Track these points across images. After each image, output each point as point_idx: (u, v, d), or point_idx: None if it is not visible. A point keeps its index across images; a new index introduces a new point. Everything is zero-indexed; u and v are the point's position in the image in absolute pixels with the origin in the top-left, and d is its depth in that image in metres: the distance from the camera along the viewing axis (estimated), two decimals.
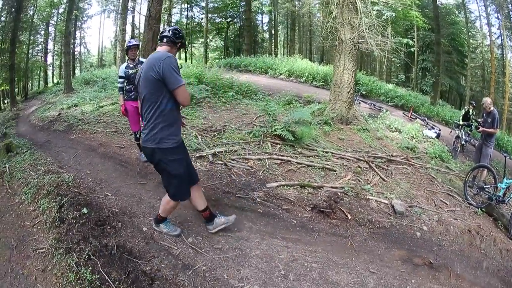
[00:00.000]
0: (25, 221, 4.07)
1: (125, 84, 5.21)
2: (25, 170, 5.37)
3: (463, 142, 10.22)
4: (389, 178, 5.42)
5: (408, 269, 3.34)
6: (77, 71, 26.47)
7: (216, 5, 28.13)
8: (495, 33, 21.83)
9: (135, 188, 4.75)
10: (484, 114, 6.88)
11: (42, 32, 24.34)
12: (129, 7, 22.09)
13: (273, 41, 30.84)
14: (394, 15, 19.77)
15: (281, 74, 17.92)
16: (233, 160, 5.38)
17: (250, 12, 25.52)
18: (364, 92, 15.96)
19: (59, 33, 24.95)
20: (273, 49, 30.02)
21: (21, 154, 6.28)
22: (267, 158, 5.39)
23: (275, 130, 6.28)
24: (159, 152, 2.89)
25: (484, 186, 5.53)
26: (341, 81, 8.83)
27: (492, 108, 6.70)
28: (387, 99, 16.58)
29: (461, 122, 10.48)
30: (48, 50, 25.61)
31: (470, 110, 10.66)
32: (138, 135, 5.32)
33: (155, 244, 3.40)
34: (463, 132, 10.40)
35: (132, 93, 5.11)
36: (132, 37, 23.82)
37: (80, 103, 11.26)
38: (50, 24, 24.57)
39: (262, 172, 4.99)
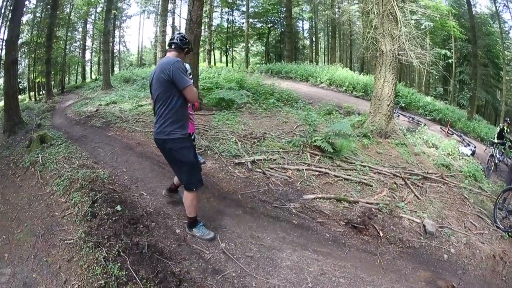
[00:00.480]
0: (55, 211, 4.17)
1: None
2: (58, 162, 5.50)
3: (496, 161, 9.83)
4: (423, 196, 5.28)
5: None
6: (116, 69, 27.15)
7: (257, 10, 28.24)
8: None
9: (167, 181, 4.73)
10: None
11: (80, 29, 25.14)
12: (169, 9, 22.48)
13: (313, 48, 30.52)
14: (432, 25, 18.94)
15: (321, 82, 17.70)
16: (271, 168, 5.34)
17: (291, 18, 25.47)
18: (403, 105, 15.39)
19: (97, 31, 25.80)
20: (313, 56, 29.71)
21: (55, 146, 6.45)
22: (306, 169, 5.34)
23: (314, 141, 6.22)
24: (170, 142, 3.19)
25: None
26: (381, 94, 8.68)
27: None
28: (425, 113, 15.86)
29: (495, 140, 10.08)
30: (86, 47, 26.50)
31: (505, 128, 10.32)
32: None
33: (187, 247, 3.40)
34: (497, 151, 10.00)
35: None
36: (164, 43, 24.07)
37: (118, 100, 11.48)
38: (88, 22, 25.46)
39: (300, 183, 4.94)
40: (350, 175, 5.40)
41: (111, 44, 22.58)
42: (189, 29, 8.17)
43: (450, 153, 9.28)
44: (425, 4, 13.67)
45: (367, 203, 4.53)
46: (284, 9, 25.42)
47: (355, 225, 3.96)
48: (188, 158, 3.25)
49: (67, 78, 25.49)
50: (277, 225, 3.91)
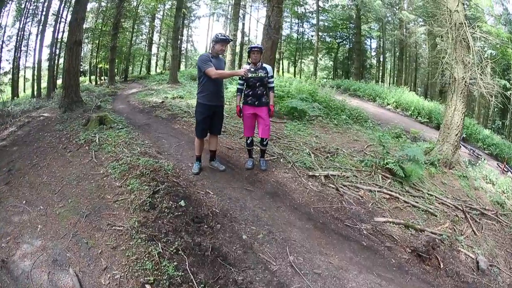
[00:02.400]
0: (106, 194, 4.09)
1: (244, 87, 5.10)
2: (118, 145, 5.54)
3: None
4: (479, 232, 5.19)
5: None
6: (181, 66, 28.18)
7: (327, 24, 28.19)
8: None
9: (240, 192, 4.58)
10: None
11: (147, 24, 26.52)
12: (239, 15, 22.90)
13: (380, 68, 29.88)
14: (494, 53, 17.59)
15: (388, 104, 17.25)
16: (344, 186, 5.22)
17: (360, 35, 25.20)
18: (464, 135, 14.46)
19: (165, 27, 27.06)
20: (380, 76, 29.08)
21: (115, 130, 6.49)
22: (377, 191, 5.25)
23: (387, 164, 6.07)
24: (196, 102, 4.73)
25: None
26: (451, 123, 8.41)
27: None
28: (484, 146, 14.85)
29: None
30: (153, 41, 27.77)
31: None
32: (249, 141, 5.26)
33: (253, 255, 3.27)
34: None
35: (250, 98, 4.99)
36: (242, 44, 24.48)
37: (186, 96, 11.66)
38: (156, 18, 26.73)
39: (372, 204, 4.85)
40: (417, 202, 5.29)
41: (179, 41, 23.33)
42: (267, 34, 8.21)
43: (505, 191, 8.72)
44: (488, 30, 12.79)
45: (432, 232, 4.49)
46: (353, 25, 25.08)
47: (420, 253, 3.92)
48: (196, 117, 4.82)
49: (131, 68, 26.72)
50: (346, 245, 3.81)
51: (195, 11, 29.63)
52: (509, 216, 6.67)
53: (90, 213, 3.78)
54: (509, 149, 15.30)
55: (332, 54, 30.39)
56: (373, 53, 31.27)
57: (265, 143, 5.22)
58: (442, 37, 9.07)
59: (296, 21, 30.05)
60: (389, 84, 25.78)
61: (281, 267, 3.15)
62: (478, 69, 7.95)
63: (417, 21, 24.67)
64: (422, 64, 28.68)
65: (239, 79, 5.10)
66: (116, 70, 21.93)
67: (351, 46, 29.14)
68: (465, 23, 8.19)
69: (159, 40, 28.78)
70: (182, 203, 3.76)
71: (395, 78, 29.28)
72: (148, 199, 3.74)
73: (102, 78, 23.12)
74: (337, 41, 29.57)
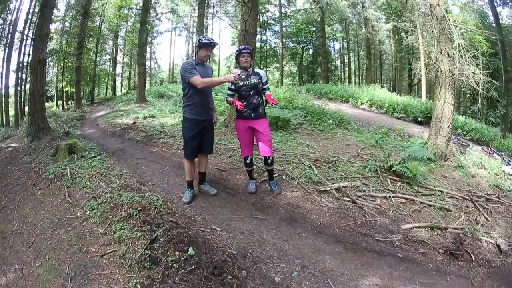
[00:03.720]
0: (90, 246, 3.33)
1: (235, 97, 4.36)
2: (92, 178, 4.74)
3: None
4: (491, 217, 5.28)
5: None
6: (147, 85, 27.40)
7: (290, 30, 28.26)
8: None
9: (250, 223, 3.94)
10: None
11: (111, 43, 25.77)
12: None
13: (345, 69, 30.33)
14: (464, 42, 18.31)
15: (362, 103, 17.33)
16: (359, 197, 4.85)
17: (325, 38, 25.38)
18: None
19: (129, 44, 26.25)
20: (345, 77, 29.45)
21: (87, 159, 5.70)
22: (392, 197, 5.04)
23: (392, 166, 5.91)
24: (183, 118, 4.18)
25: None
26: (442, 115, 8.54)
27: None
28: (463, 132, 15.21)
29: None
30: (117, 61, 26.98)
31: None
32: (249, 161, 4.54)
33: None
34: None
35: (245, 110, 4.19)
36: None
37: (157, 114, 10.98)
38: (119, 36, 25.94)
39: (392, 212, 4.63)
40: (431, 201, 5.23)
41: (145, 57, 22.87)
42: (244, 40, 7.63)
43: (497, 174, 9.08)
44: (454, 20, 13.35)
45: (454, 228, 4.52)
46: (317, 28, 25.31)
47: (452, 252, 3.94)
48: (184, 135, 4.20)
49: (96, 90, 25.83)
50: (382, 261, 3.58)
51: (157, 26, 28.86)
52: (509, 197, 6.95)
53: (75, 274, 3.03)
54: (488, 132, 15.83)
55: (297, 59, 30.45)
56: (336, 55, 31.89)
57: (269, 161, 4.44)
58: (419, 32, 9.50)
59: (259, 29, 29.99)
60: (355, 83, 26.22)
61: None
62: (465, 61, 8.25)
63: (381, 18, 25.34)
64: (386, 60, 29.48)
65: (228, 88, 4.37)
66: (82, 93, 21.18)
67: (314, 49, 29.38)
68: (447, 17, 8.31)
69: (123, 59, 27.79)
70: (191, 251, 3.04)
71: (361, 77, 29.91)
72: (146, 251, 3.00)
73: (69, 102, 22.30)
74: (301, 46, 29.70)
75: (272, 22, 28.56)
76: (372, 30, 25.33)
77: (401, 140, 9.70)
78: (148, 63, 28.98)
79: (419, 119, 15.65)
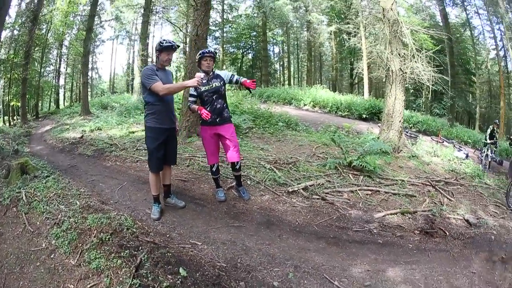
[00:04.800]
0: (66, 282, 2.90)
1: (197, 104, 4.18)
2: (50, 201, 4.24)
3: (489, 159, 10.72)
4: (453, 198, 5.81)
5: (490, 266, 3.87)
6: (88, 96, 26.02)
7: (230, 35, 28.27)
8: (496, 45, 22.09)
9: (228, 232, 3.82)
10: None
11: (55, 52, 24.03)
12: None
13: (285, 72, 30.99)
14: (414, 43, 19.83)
15: (305, 104, 17.71)
16: (327, 193, 4.97)
17: (266, 42, 25.71)
18: None
19: (72, 54, 24.61)
20: (286, 80, 30.04)
21: (41, 179, 5.14)
22: (358, 190, 5.28)
23: (351, 162, 6.18)
24: (145, 128, 3.94)
25: None
26: (393, 111, 9.15)
27: None
28: (410, 125, 16.18)
29: (488, 141, 10.98)
30: (60, 72, 25.24)
31: (495, 129, 11.34)
32: (215, 168, 4.39)
33: None
34: (490, 150, 10.91)
35: (209, 116, 3.98)
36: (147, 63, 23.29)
37: (104, 126, 10.38)
38: (63, 45, 24.24)
39: (361, 203, 4.87)
40: (395, 190, 5.59)
41: (89, 67, 21.59)
42: (195, 45, 7.40)
43: (450, 159, 9.91)
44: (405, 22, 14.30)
45: (423, 211, 4.89)
46: (255, 33, 25.60)
47: (427, 231, 4.34)
48: (148, 146, 3.93)
49: (40, 104, 24.14)
50: (365, 249, 3.79)
51: (100, 34, 27.28)
52: (466, 178, 7.71)
53: None
54: (435, 123, 17.03)
55: (237, 64, 30.47)
56: (276, 58, 32.60)
57: (237, 167, 4.34)
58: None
59: None
60: (294, 85, 26.93)
61: None
62: (416, 60, 8.92)
63: (323, 21, 26.41)
64: (325, 61, 30.73)
65: (190, 94, 4.18)
66: (26, 107, 19.44)
67: (254, 54, 29.67)
68: (399, 20, 8.95)
69: (66, 69, 26.01)
70: (182, 272, 2.80)
71: (300, 79, 30.83)
72: (134, 280, 2.68)
73: (15, 117, 20.55)
74: (241, 51, 29.84)
75: (213, 28, 28.46)
76: (314, 33, 26.32)
77: (353, 137, 10.10)
78: (89, 73, 27.46)
79: (364, 116, 16.36)
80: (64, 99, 27.80)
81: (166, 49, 3.74)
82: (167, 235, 3.58)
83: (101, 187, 5.06)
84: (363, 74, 22.10)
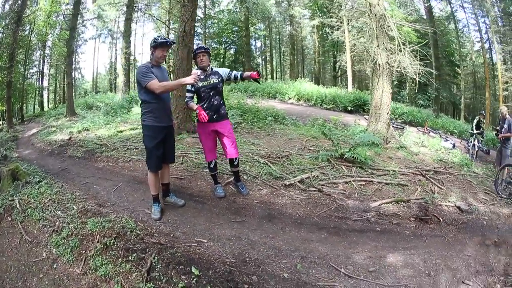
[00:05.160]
0: None
1: (193, 100, 4.18)
2: (45, 207, 4.13)
3: (476, 149, 10.99)
4: (443, 186, 6.00)
5: (484, 249, 4.08)
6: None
7: (212, 30, 28.05)
8: (481, 38, 22.65)
9: (232, 228, 3.83)
10: (501, 122, 7.95)
11: (38, 54, 23.26)
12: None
13: (268, 66, 31.01)
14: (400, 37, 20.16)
15: (290, 98, 17.72)
16: (323, 185, 5.06)
17: (249, 37, 25.63)
18: None
19: (55, 55, 23.91)
20: (267, 74, 30.05)
21: (33, 184, 5.01)
22: (352, 181, 5.39)
23: (342, 154, 6.28)
24: (142, 126, 3.88)
25: (511, 181, 6.44)
26: (381, 103, 9.37)
27: (507, 115, 7.76)
28: (395, 116, 16.31)
29: (475, 131, 11.21)
30: (44, 73, 24.44)
31: (481, 119, 11.61)
32: (213, 165, 4.37)
33: None
34: (477, 140, 11.16)
35: (206, 112, 3.94)
36: (128, 65, 22.90)
37: (91, 127, 10.16)
38: (47, 46, 23.46)
39: (357, 194, 5.00)
40: (387, 180, 5.71)
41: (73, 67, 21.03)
42: (183, 42, 7.33)
43: (438, 150, 10.17)
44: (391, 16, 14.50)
45: (416, 199, 5.05)
46: (237, 28, 25.50)
47: (422, 218, 4.50)
48: (147, 145, 3.86)
49: (24, 107, 23.26)
50: (365, 237, 3.93)
51: (83, 34, 26.52)
52: (455, 167, 7.97)
53: None
54: (420, 114, 17.31)
55: (219, 60, 30.22)
56: (258, 53, 32.54)
57: (236, 163, 4.34)
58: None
59: None
60: (276, 79, 27.05)
61: (343, 282, 3.01)
62: (404, 54, 9.20)
63: (305, 15, 26.55)
64: (307, 55, 30.90)
65: (187, 90, 4.15)
66: (12, 110, 18.66)
67: (236, 49, 29.53)
68: (385, 15, 9.18)
69: (49, 70, 25.21)
70: (194, 271, 2.80)
71: (282, 73, 30.93)
72: (148, 284, 2.65)
73: (0, 122, 19.75)
74: (223, 46, 29.66)
75: (196, 24, 28.20)
76: (297, 27, 26.43)
77: (341, 130, 10.22)
78: (73, 73, 26.82)
79: (349, 108, 16.48)
80: (48, 101, 27.04)
81: (161, 45, 3.66)
82: (171, 235, 3.55)
83: (96, 190, 4.95)
84: (346, 67, 22.27)
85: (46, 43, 23.00)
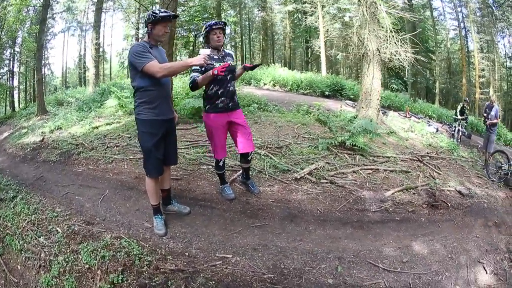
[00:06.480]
0: None
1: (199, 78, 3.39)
2: (25, 232, 3.48)
3: (460, 134, 11.46)
4: (440, 171, 6.12)
5: (487, 230, 4.42)
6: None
7: (182, 18, 27.03)
8: (458, 26, 23.84)
9: (253, 235, 3.39)
10: (487, 109, 8.28)
11: (8, 52, 21.76)
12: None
13: (238, 52, 30.60)
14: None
15: (265, 84, 17.48)
16: (332, 176, 4.89)
17: None
18: (352, 96, 15.99)
19: (24, 52, 22.31)
20: (238, 60, 29.70)
21: (8, 202, 4.30)
22: (360, 170, 5.29)
23: (343, 141, 6.16)
24: (137, 122, 3.11)
25: (501, 165, 6.82)
26: (371, 89, 9.51)
27: (495, 103, 8.16)
28: None
29: (459, 117, 11.56)
30: (14, 72, 22.92)
31: (466, 106, 11.96)
32: (222, 163, 3.74)
33: None
34: (461, 126, 11.58)
35: (221, 99, 3.43)
36: (98, 57, 21.38)
37: (64, 125, 9.21)
38: (16, 43, 21.89)
39: (367, 183, 4.90)
40: (390, 167, 5.68)
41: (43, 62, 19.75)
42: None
43: (424, 134, 10.40)
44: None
45: (422, 186, 5.11)
46: (208, 15, 24.81)
47: (433, 204, 4.63)
48: (145, 144, 3.12)
49: None
50: (386, 228, 3.93)
51: (52, 27, 24.72)
52: (445, 152, 8.14)
53: None
54: (397, 98, 17.64)
55: (189, 47, 29.29)
56: (227, 39, 31.92)
57: (249, 158, 3.75)
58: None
59: None
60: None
61: (385, 278, 2.99)
62: (398, 42, 9.47)
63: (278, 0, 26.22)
64: (278, 40, 30.77)
65: (193, 70, 3.35)
66: None
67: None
68: (376, 2, 9.26)
69: (19, 69, 23.54)
70: None
71: (252, 59, 30.60)
72: None
73: None
74: (193, 33, 28.74)
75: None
76: (271, 12, 26.07)
77: (331, 116, 10.03)
78: (42, 69, 25.29)
79: (327, 93, 16.47)
80: (19, 101, 25.39)
81: (163, 20, 2.94)
82: (187, 254, 3.00)
83: (79, 202, 4.13)
84: (319, 52, 22.28)
85: (16, 40, 21.40)
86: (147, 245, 3.07)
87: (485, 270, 3.43)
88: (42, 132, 8.85)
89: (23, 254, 3.15)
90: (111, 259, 2.84)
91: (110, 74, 29.42)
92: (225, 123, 3.52)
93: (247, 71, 3.70)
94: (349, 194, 4.42)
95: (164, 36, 3.06)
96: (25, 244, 3.22)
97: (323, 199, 4.23)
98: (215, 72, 3.05)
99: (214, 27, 3.38)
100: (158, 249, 3.03)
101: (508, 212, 5.24)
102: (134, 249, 2.95)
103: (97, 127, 8.04)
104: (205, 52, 2.99)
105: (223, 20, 26.90)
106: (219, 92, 3.40)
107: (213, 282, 2.63)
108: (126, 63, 29.60)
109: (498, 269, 3.53)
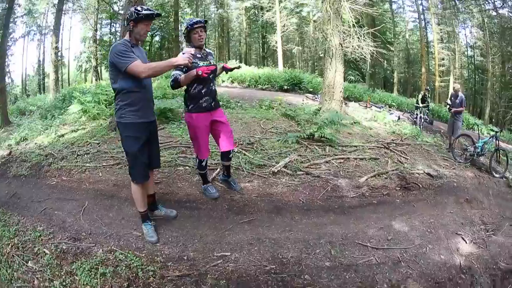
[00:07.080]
0: None
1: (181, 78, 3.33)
2: (11, 259, 3.13)
3: (422, 121, 12.11)
4: (407, 156, 6.54)
5: (460, 206, 4.81)
6: None
7: None
8: (417, 18, 25.41)
9: (244, 230, 3.48)
10: (453, 97, 8.65)
11: None
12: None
13: None
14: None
15: (223, 81, 17.52)
16: (307, 167, 5.17)
17: (178, 22, 24.63)
18: (311, 89, 16.45)
19: None
20: None
21: None
22: (331, 160, 5.60)
23: (311, 134, 6.44)
24: (119, 126, 3.04)
25: (467, 148, 7.41)
26: (334, 82, 9.86)
27: (459, 92, 8.59)
28: None
29: (421, 105, 12.26)
30: None
31: (427, 94, 12.81)
32: (205, 163, 3.77)
33: (359, 267, 3.08)
34: (422, 113, 12.23)
35: (204, 99, 3.44)
36: (57, 62, 20.16)
37: (29, 135, 8.66)
38: None
39: (341, 171, 5.20)
40: (359, 155, 6.02)
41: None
42: (127, 25, 6.65)
43: (386, 123, 10.97)
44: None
45: (392, 171, 5.48)
46: (164, 13, 24.41)
47: (405, 186, 5.02)
48: (130, 149, 3.06)
49: None
50: (366, 212, 4.20)
51: (13, 33, 22.72)
52: (409, 139, 8.62)
53: None
54: (356, 89, 18.36)
55: (147, 47, 28.97)
56: (182, 38, 31.52)
57: (231, 156, 3.85)
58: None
59: (108, 21, 26.96)
60: None
61: (375, 255, 3.25)
62: (361, 36, 10.03)
63: None
64: (233, 37, 31.00)
65: (176, 69, 3.27)
66: None
67: (162, 35, 28.87)
68: None
69: None
70: None
71: (219, 55, 30.56)
72: None
73: None
74: (149, 33, 28.17)
75: (121, 12, 26.35)
76: (228, 9, 26.03)
77: (294, 109, 10.27)
78: (4, 79, 23.33)
79: (285, 87, 16.85)
80: None
81: (146, 18, 2.89)
82: (185, 258, 3.01)
83: (60, 217, 3.89)
84: (276, 47, 22.65)
85: None
86: (143, 255, 3.00)
87: (464, 241, 3.77)
88: (8, 145, 8.31)
89: (14, 285, 2.87)
90: (113, 275, 2.74)
91: (69, 79, 28.10)
92: (208, 123, 3.56)
93: (226, 73, 3.78)
94: (326, 183, 4.68)
95: (145, 35, 3.02)
96: (14, 273, 2.94)
97: (303, 189, 4.46)
98: (200, 73, 3.06)
99: (195, 26, 3.34)
100: (155, 257, 2.99)
101: (478, 189, 5.71)
102: (133, 261, 2.87)
103: (63, 135, 7.73)
104: (189, 51, 2.99)
105: (179, 16, 26.82)
106: (203, 91, 3.43)
107: (224, 282, 2.73)
108: (84, 67, 28.67)
109: (476, 239, 3.87)
